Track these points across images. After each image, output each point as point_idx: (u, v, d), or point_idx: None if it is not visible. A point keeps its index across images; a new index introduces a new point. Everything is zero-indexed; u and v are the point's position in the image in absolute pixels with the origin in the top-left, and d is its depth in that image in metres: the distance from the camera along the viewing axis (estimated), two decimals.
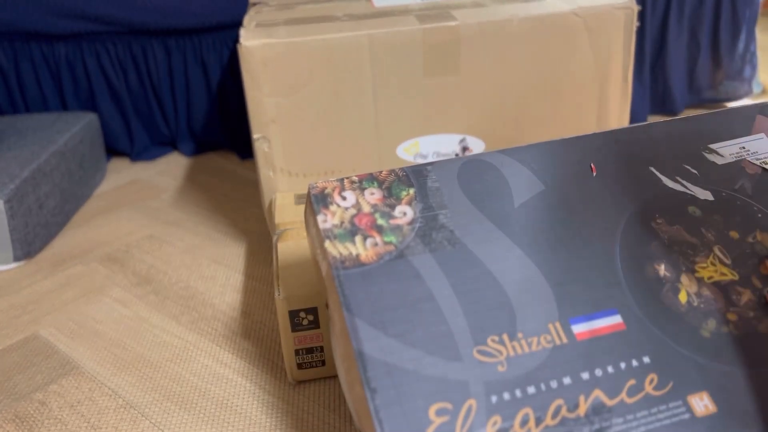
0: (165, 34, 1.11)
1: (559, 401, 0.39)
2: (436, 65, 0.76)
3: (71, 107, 1.17)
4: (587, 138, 0.52)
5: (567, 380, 0.40)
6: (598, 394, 0.40)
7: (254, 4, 0.90)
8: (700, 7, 1.12)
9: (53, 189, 0.95)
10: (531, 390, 0.40)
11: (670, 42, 1.13)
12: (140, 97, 1.17)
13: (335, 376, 0.63)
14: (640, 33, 1.11)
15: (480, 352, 0.41)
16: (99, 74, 1.14)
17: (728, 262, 0.46)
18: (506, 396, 0.39)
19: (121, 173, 1.16)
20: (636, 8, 0.76)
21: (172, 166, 1.17)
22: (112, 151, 1.22)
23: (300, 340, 0.60)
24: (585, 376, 0.40)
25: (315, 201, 0.47)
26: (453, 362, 0.40)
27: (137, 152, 1.20)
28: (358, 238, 0.45)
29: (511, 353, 0.41)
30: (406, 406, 0.38)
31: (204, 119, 1.18)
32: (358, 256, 0.44)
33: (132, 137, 1.19)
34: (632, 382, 0.40)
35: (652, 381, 0.40)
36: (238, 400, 0.61)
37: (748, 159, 0.53)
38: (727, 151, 0.53)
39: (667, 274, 0.45)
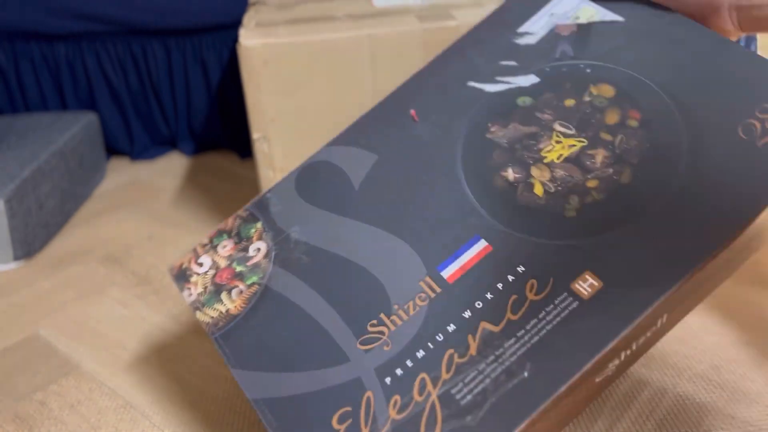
0: (165, 34, 1.11)
1: (450, 351, 0.38)
2: None
3: (71, 107, 1.17)
4: (400, 90, 0.51)
5: (451, 327, 0.39)
6: (484, 326, 0.38)
7: (254, 4, 0.90)
8: None
9: (53, 189, 0.95)
10: (420, 354, 0.39)
11: None
12: (140, 97, 1.17)
13: None
14: None
15: (363, 342, 0.40)
16: (99, 74, 1.14)
17: (572, 131, 0.44)
18: (399, 372, 0.39)
19: (121, 173, 1.16)
20: None
21: (172, 166, 1.17)
22: (112, 151, 1.21)
23: None
24: (467, 314, 0.39)
25: (177, 281, 0.47)
26: (342, 365, 0.40)
27: (137, 152, 1.20)
28: (224, 295, 0.45)
29: (393, 328, 0.40)
30: (306, 428, 0.38)
31: (204, 119, 1.18)
32: (228, 311, 0.44)
33: (132, 137, 1.19)
34: (514, 297, 0.39)
35: (532, 287, 0.39)
36: (238, 400, 0.61)
37: (559, 23, 0.50)
38: (536, 26, 0.51)
39: (517, 176, 0.44)
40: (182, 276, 0.48)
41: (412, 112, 0.50)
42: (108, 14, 1.08)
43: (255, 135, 0.76)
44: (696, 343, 0.63)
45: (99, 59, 1.13)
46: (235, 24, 1.09)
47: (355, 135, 0.50)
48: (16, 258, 0.87)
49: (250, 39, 0.72)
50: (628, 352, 0.38)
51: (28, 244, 0.89)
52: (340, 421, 0.38)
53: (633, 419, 0.56)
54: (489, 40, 0.51)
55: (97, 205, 1.04)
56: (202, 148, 1.21)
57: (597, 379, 0.37)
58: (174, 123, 1.19)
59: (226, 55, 1.13)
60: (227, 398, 0.62)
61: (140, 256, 0.88)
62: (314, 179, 0.48)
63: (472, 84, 0.49)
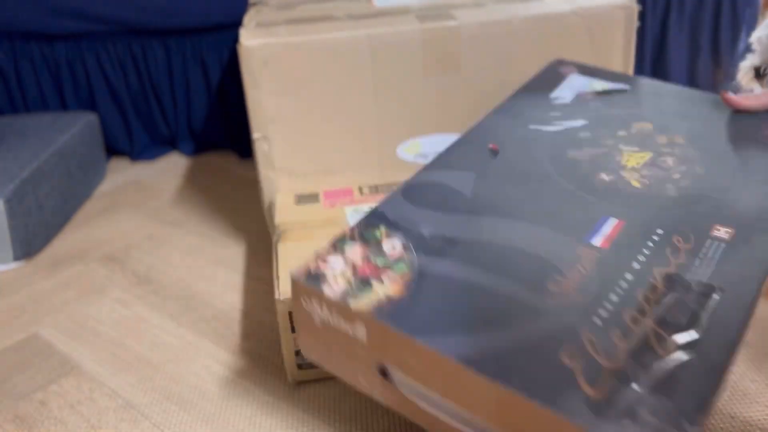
0: (165, 34, 1.11)
1: (641, 289, 0.44)
2: (436, 65, 0.76)
3: (71, 107, 1.17)
4: (471, 132, 0.63)
5: (628, 276, 0.45)
6: (657, 269, 0.45)
7: (254, 4, 0.90)
8: (700, 7, 1.12)
9: (53, 189, 0.95)
10: (614, 298, 0.44)
11: (670, 42, 1.12)
12: (140, 97, 1.17)
13: (335, 377, 0.63)
14: (640, 33, 1.11)
15: (549, 297, 0.45)
16: (99, 74, 1.14)
17: (636, 149, 0.58)
18: (602, 312, 0.43)
19: (121, 173, 1.16)
20: (636, 8, 0.76)
21: (172, 166, 1.17)
22: (112, 151, 1.22)
23: None
24: (635, 266, 0.46)
25: (311, 282, 0.47)
26: (540, 317, 0.44)
27: (137, 152, 1.20)
28: (375, 284, 0.46)
29: (572, 284, 0.45)
30: (535, 369, 0.40)
31: (204, 119, 1.18)
32: (387, 296, 0.45)
33: (132, 137, 1.19)
34: (668, 248, 0.47)
35: (678, 240, 0.47)
36: (238, 400, 0.61)
37: (581, 92, 0.67)
38: (564, 93, 0.67)
39: (610, 178, 0.55)
40: (315, 278, 0.47)
41: (492, 145, 0.60)
42: (108, 14, 1.08)
43: (255, 135, 0.76)
44: None
45: (99, 59, 1.13)
46: (235, 24, 1.09)
47: (445, 161, 0.58)
48: (16, 258, 0.87)
49: (250, 39, 0.72)
50: None
51: (28, 244, 0.89)
52: (569, 357, 0.39)
53: None
54: (531, 101, 0.66)
55: (97, 205, 1.05)
56: (202, 148, 1.21)
57: None
58: (174, 123, 1.19)
59: (226, 55, 1.13)
60: (227, 398, 0.62)
61: (140, 256, 0.88)
62: (423, 193, 0.55)
63: (532, 126, 0.63)
